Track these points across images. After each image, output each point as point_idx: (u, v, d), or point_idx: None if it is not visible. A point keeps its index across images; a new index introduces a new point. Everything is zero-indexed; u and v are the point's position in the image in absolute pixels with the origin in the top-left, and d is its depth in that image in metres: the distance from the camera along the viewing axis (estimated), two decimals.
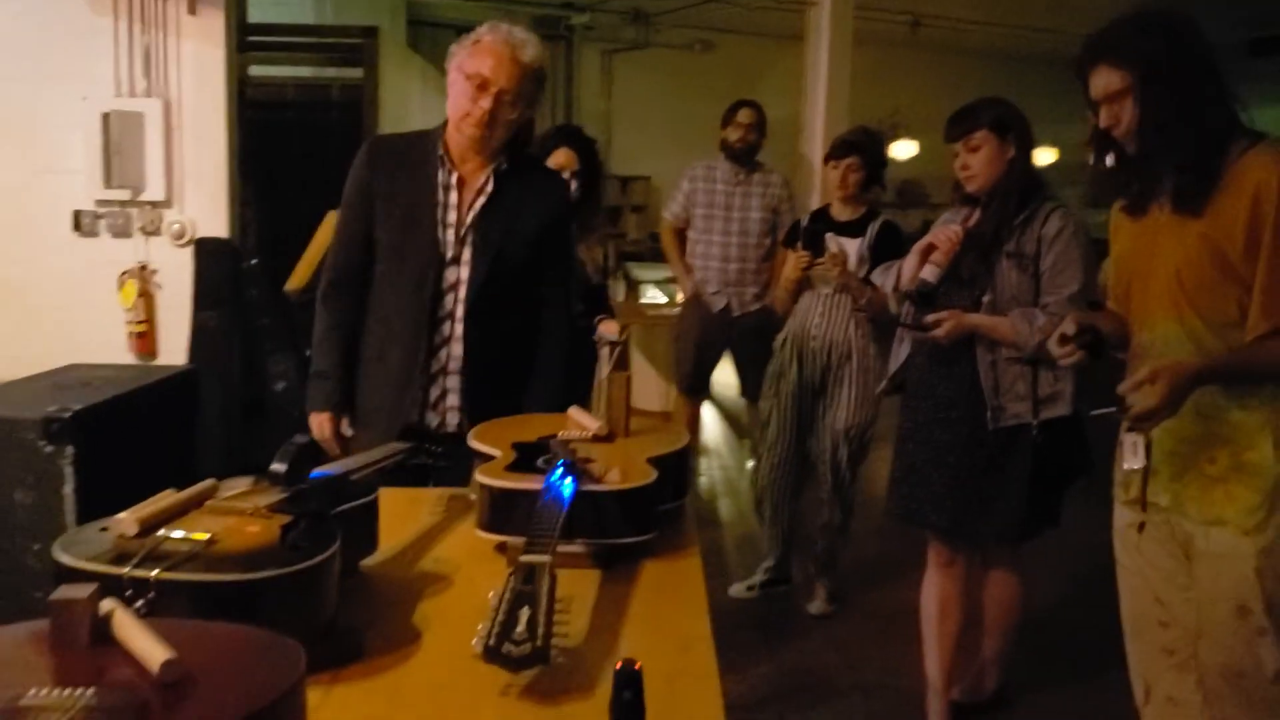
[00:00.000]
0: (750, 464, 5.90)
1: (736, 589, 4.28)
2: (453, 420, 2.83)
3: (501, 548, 1.89)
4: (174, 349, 4.78)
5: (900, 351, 3.33)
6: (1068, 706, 3.44)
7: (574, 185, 3.81)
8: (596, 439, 2.17)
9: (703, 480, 6.20)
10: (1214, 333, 2.22)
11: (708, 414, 7.15)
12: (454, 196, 2.78)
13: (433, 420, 2.83)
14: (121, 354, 4.64)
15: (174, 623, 1.16)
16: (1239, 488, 2.22)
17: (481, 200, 2.78)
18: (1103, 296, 3.04)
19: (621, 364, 4.30)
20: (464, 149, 2.78)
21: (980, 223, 3.06)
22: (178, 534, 1.47)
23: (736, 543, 4.97)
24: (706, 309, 5.21)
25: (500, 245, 2.77)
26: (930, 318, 3.08)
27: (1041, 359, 3.00)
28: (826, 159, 4.15)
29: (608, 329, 3.78)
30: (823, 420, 4.10)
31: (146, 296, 4.78)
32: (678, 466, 2.16)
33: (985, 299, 3.05)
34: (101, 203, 4.63)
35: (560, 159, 3.85)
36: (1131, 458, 2.36)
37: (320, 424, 2.89)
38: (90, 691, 1.03)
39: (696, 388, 5.39)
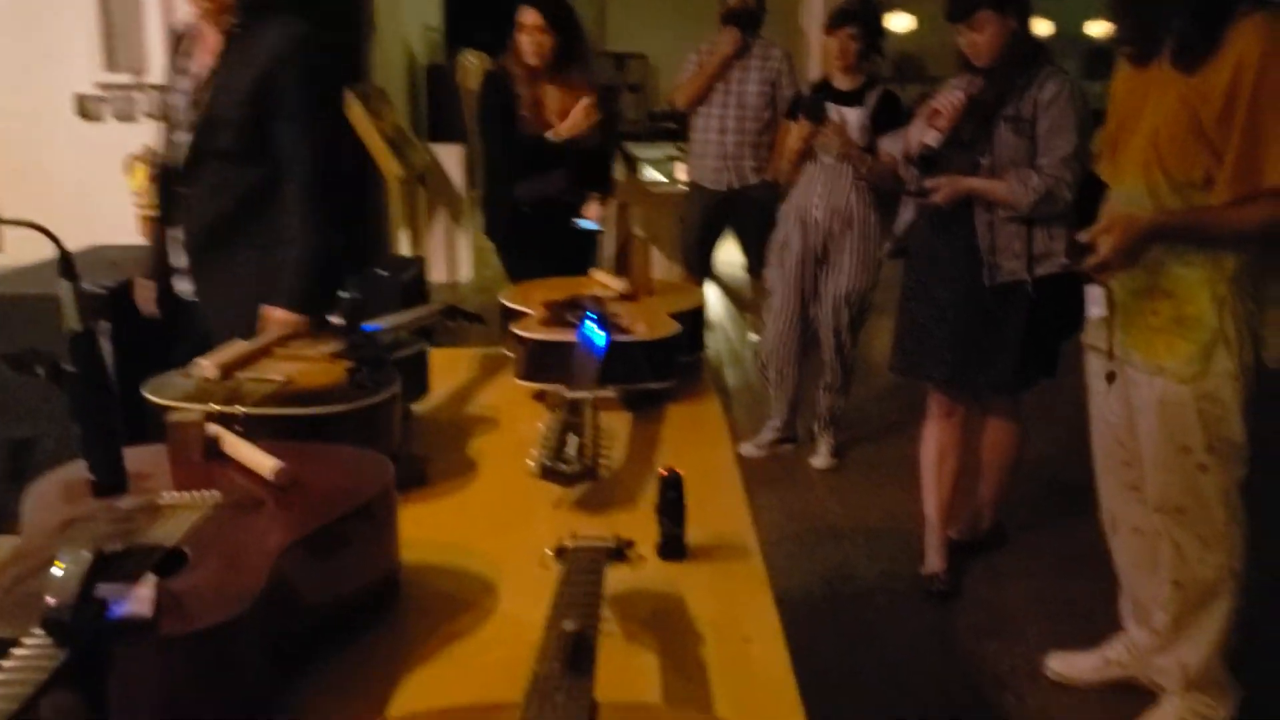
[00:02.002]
0: (753, 337, 6.06)
1: (745, 448, 4.49)
2: (187, 288, 2.87)
3: (540, 396, 2.06)
4: None
5: (904, 215, 3.46)
6: (1056, 543, 3.67)
7: (547, 46, 3.72)
8: (621, 297, 2.32)
9: (709, 353, 6.37)
10: (1176, 192, 2.32)
11: (711, 291, 7.30)
12: (194, 67, 2.76)
13: (181, 287, 2.88)
14: (133, 238, 4.74)
15: (272, 443, 1.32)
16: (1178, 340, 2.36)
17: (210, 63, 2.73)
18: (1095, 163, 3.17)
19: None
20: (202, 23, 2.74)
21: (983, 89, 3.16)
22: (255, 376, 1.63)
23: (744, 407, 5.16)
24: (707, 188, 5.28)
25: (211, 107, 2.70)
26: (930, 182, 3.21)
27: (1036, 218, 3.13)
28: (826, 28, 4.22)
29: (591, 213, 3.80)
30: (825, 287, 4.26)
31: (157, 181, 4.85)
32: (695, 322, 2.33)
33: (984, 162, 3.17)
34: (103, 86, 4.67)
35: (527, 18, 3.73)
36: (1094, 307, 2.51)
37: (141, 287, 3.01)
38: (216, 493, 1.20)
39: (700, 267, 5.50)
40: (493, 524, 1.56)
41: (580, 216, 3.82)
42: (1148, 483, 2.46)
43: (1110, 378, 2.50)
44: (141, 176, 4.79)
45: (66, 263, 0.94)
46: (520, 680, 0.93)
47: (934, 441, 3.45)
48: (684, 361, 2.20)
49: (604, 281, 2.41)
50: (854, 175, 4.11)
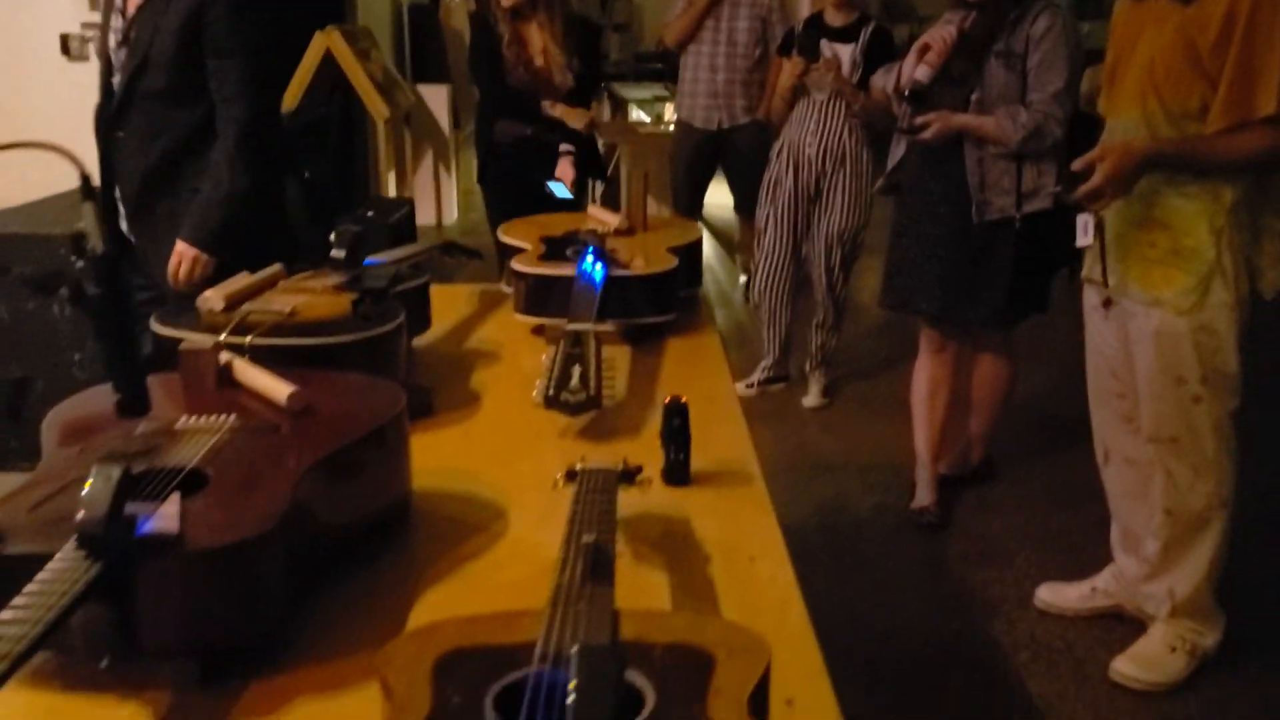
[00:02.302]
0: (742, 279, 6.06)
1: (737, 388, 4.49)
2: (124, 226, 2.81)
3: (538, 330, 2.08)
4: None
5: (896, 152, 3.46)
6: (1045, 477, 3.72)
7: None
8: (618, 232, 2.33)
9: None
10: (1171, 122, 2.33)
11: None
12: (129, 6, 2.68)
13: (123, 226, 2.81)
14: None
15: (283, 371, 1.34)
16: (1176, 271, 2.38)
17: (136, 1, 2.66)
18: (1085, 105, 3.17)
19: (594, 167, 4.36)
20: None
21: (975, 23, 3.15)
22: (261, 308, 1.64)
23: (734, 347, 5.18)
24: (697, 128, 5.27)
25: (140, 46, 2.63)
26: (920, 119, 3.21)
27: (1026, 155, 3.14)
28: None
29: (563, 175, 3.81)
30: (817, 225, 4.26)
31: None
32: (693, 256, 2.35)
33: (974, 97, 3.17)
34: (88, 25, 4.62)
35: None
36: (1082, 236, 2.53)
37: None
38: (232, 417, 1.22)
39: (690, 207, 5.50)
40: (499, 452, 1.58)
41: (552, 179, 3.86)
42: (1142, 413, 2.50)
43: (1107, 305, 2.52)
44: None
45: (87, 184, 0.95)
46: (533, 598, 0.96)
47: (925, 377, 3.48)
48: (682, 296, 2.22)
49: (601, 217, 2.42)
50: (847, 112, 4.10)
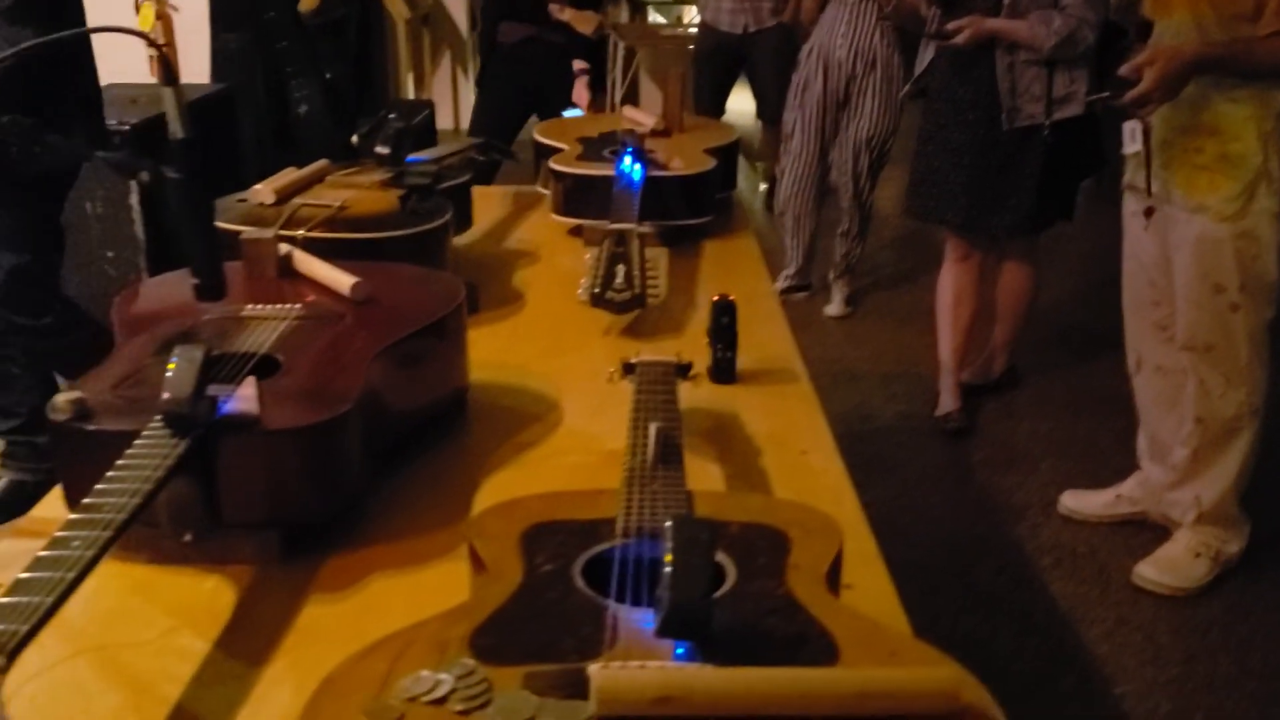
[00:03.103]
0: (763, 186, 6.02)
1: None
2: None
3: (576, 231, 2.08)
4: (195, 73, 4.77)
5: (925, 56, 3.42)
6: (1069, 386, 3.74)
7: None
8: (654, 133, 2.32)
9: None
10: (1221, 25, 2.29)
11: None
12: None
13: None
14: (143, 78, 4.68)
15: (341, 262, 1.35)
16: (1221, 177, 2.37)
17: None
18: (1114, 13, 3.12)
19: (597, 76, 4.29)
20: None
21: None
22: (310, 201, 1.65)
23: None
24: (722, 30, 5.19)
25: None
26: (952, 24, 3.17)
27: (1058, 60, 3.11)
28: None
29: (580, 100, 3.72)
30: (845, 130, 4.22)
31: (165, 19, 4.76)
32: (729, 158, 2.34)
33: (1006, 1, 3.12)
34: None
35: None
36: (1129, 143, 2.51)
37: None
38: (298, 305, 1.24)
39: (712, 113, 5.44)
40: (546, 348, 1.60)
41: (570, 105, 3.79)
42: (1178, 320, 2.51)
43: (1149, 213, 2.52)
44: (149, 17, 4.70)
45: (168, 69, 0.95)
46: (595, 483, 0.99)
47: (949, 285, 3.49)
48: (719, 197, 2.22)
49: (637, 118, 2.41)
50: (878, 15, 4.04)
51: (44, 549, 0.78)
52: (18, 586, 0.73)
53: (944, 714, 0.60)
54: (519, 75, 3.96)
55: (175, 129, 0.96)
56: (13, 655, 0.67)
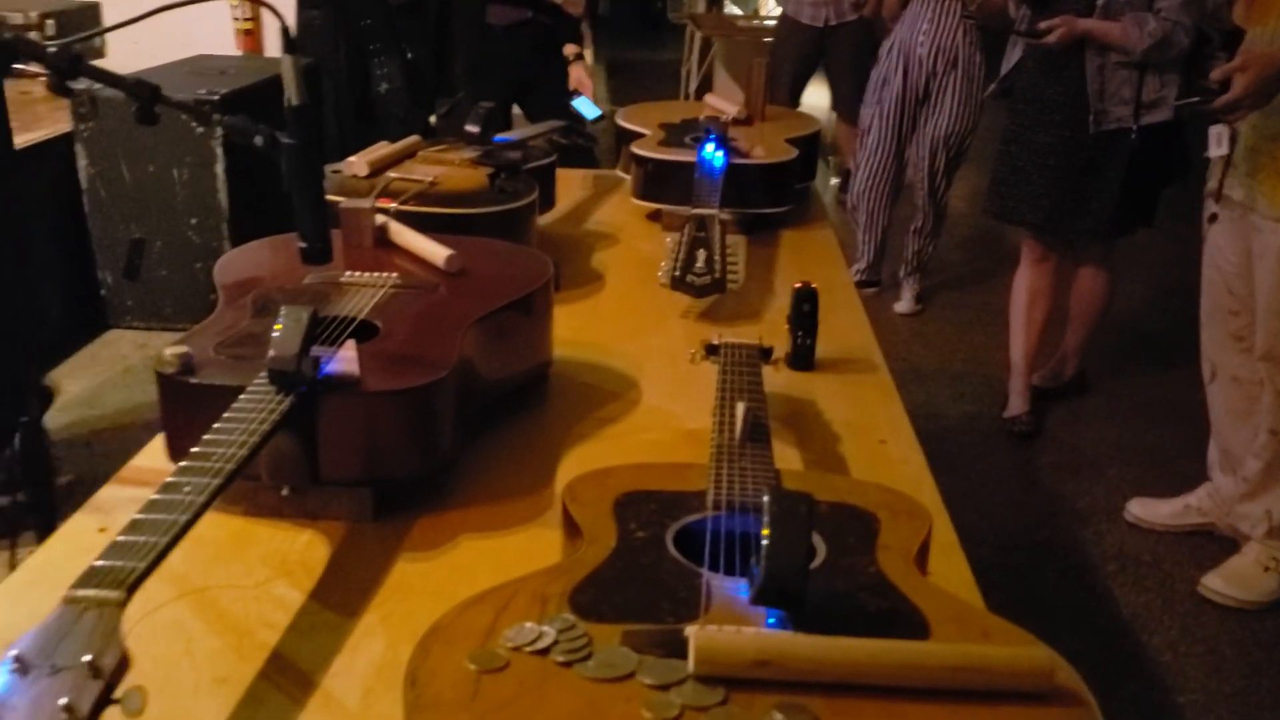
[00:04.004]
0: (834, 180, 6.00)
1: None
2: None
3: (655, 215, 2.10)
4: (279, 47, 4.84)
5: (1012, 56, 3.39)
6: (1139, 393, 3.70)
7: None
8: (736, 121, 2.33)
9: None
10: None
11: None
12: None
13: None
14: (230, 50, 4.77)
15: (435, 235, 1.38)
16: None
17: None
18: (1220, 14, 3.06)
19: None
20: None
21: None
22: (403, 176, 1.69)
23: None
24: (803, 24, 5.17)
25: None
26: (1043, 23, 3.13)
27: (1150, 63, 3.06)
28: None
29: (583, 89, 3.57)
30: (924, 128, 4.20)
31: None
32: (811, 148, 2.34)
33: (1099, 2, 3.08)
34: None
35: None
36: (1215, 147, 2.47)
37: None
38: (395, 275, 1.27)
39: (788, 104, 5.43)
40: (625, 328, 1.62)
41: (574, 94, 3.67)
42: (1257, 330, 2.47)
43: (1212, 219, 2.48)
44: None
45: (288, 38, 0.98)
46: (676, 459, 1.01)
47: (1025, 287, 3.46)
48: (799, 187, 2.23)
49: (720, 106, 2.42)
50: (961, 12, 4.00)
51: (156, 493, 0.82)
52: (133, 526, 0.77)
53: (1036, 693, 0.61)
54: (509, 63, 3.85)
55: (291, 95, 0.99)
56: (130, 590, 0.70)
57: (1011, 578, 2.66)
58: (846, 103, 5.20)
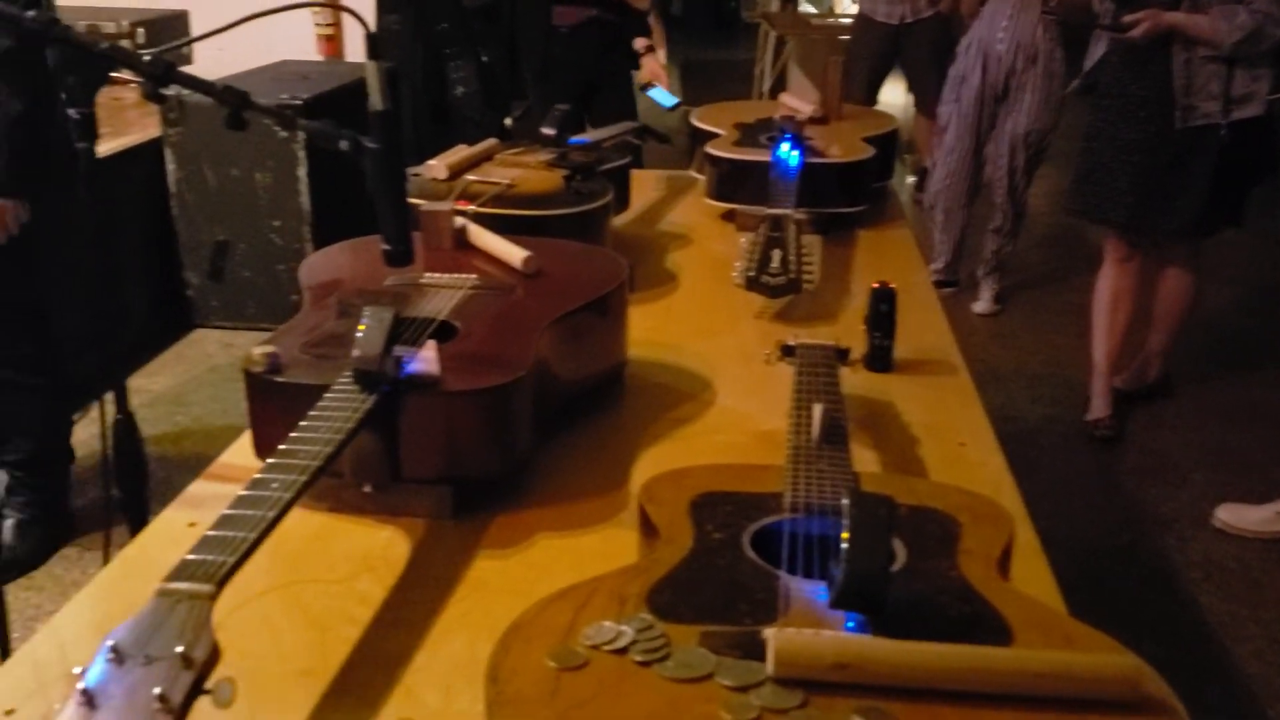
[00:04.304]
0: (910, 179, 5.94)
1: None
2: None
3: (729, 215, 2.10)
4: (359, 52, 4.92)
5: (1095, 51, 3.33)
6: (1224, 396, 3.61)
7: None
8: (812, 120, 2.32)
9: None
10: None
11: None
12: None
13: None
14: (311, 55, 4.86)
15: (511, 237, 1.39)
16: None
17: None
18: None
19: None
20: None
21: None
22: (481, 178, 1.71)
23: None
24: (878, 21, 5.13)
25: None
26: (1128, 17, 3.07)
27: (1239, 57, 2.99)
28: None
29: (657, 79, 3.54)
30: (1003, 125, 4.13)
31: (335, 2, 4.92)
32: (888, 147, 2.32)
33: None
34: None
35: None
36: None
37: None
38: (473, 276, 1.29)
39: (864, 102, 5.39)
40: (699, 329, 1.62)
41: (647, 84, 3.63)
42: None
43: None
44: None
45: (372, 43, 1.00)
46: (749, 461, 1.00)
47: (1108, 287, 3.39)
48: (875, 187, 2.21)
49: (795, 105, 2.41)
50: (1041, 8, 3.94)
51: (244, 489, 0.84)
52: (223, 522, 0.79)
53: (1123, 701, 0.60)
54: (575, 65, 3.82)
55: (375, 100, 1.01)
56: (221, 584, 0.72)
57: (1092, 583, 2.61)
58: (924, 100, 5.15)
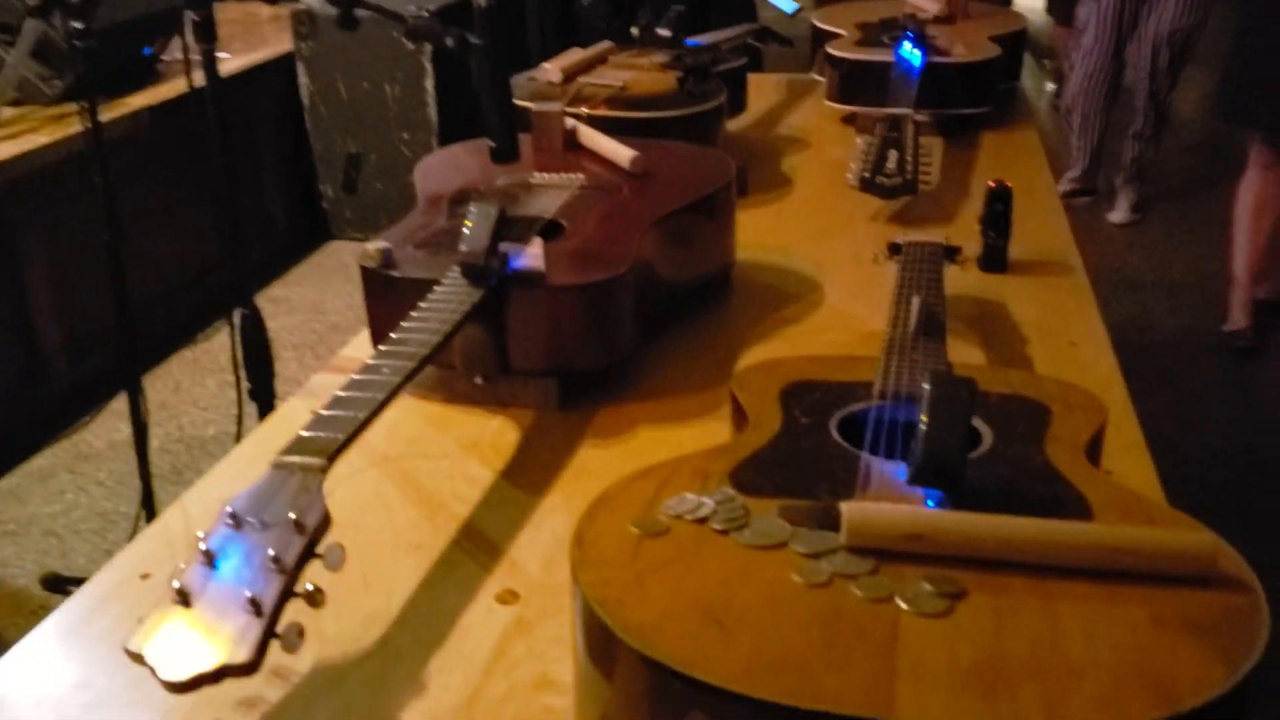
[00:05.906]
0: (1049, 86, 5.72)
1: None
2: None
3: (849, 119, 2.07)
4: None
5: None
6: None
7: None
8: (937, 19, 2.25)
9: None
10: None
11: None
12: None
13: None
14: None
15: (621, 138, 1.41)
16: None
17: None
18: None
19: None
20: None
21: None
22: (594, 81, 1.72)
23: None
24: None
25: None
26: None
27: None
28: None
29: None
30: (1145, 24, 3.93)
31: None
32: (1015, 46, 2.25)
33: None
34: None
35: None
36: None
37: None
38: (581, 176, 1.31)
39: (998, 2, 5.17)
40: (811, 231, 1.62)
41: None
42: None
43: None
44: None
45: None
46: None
47: (1251, 194, 3.23)
48: (1002, 88, 2.14)
49: (920, 3, 2.34)
50: None
51: (356, 374, 0.88)
52: (335, 402, 0.83)
53: (1197, 576, 0.60)
54: (619, 9, 3.73)
55: None
56: (331, 459, 0.77)
57: (1224, 497, 2.54)
58: (1062, 4, 4.92)
